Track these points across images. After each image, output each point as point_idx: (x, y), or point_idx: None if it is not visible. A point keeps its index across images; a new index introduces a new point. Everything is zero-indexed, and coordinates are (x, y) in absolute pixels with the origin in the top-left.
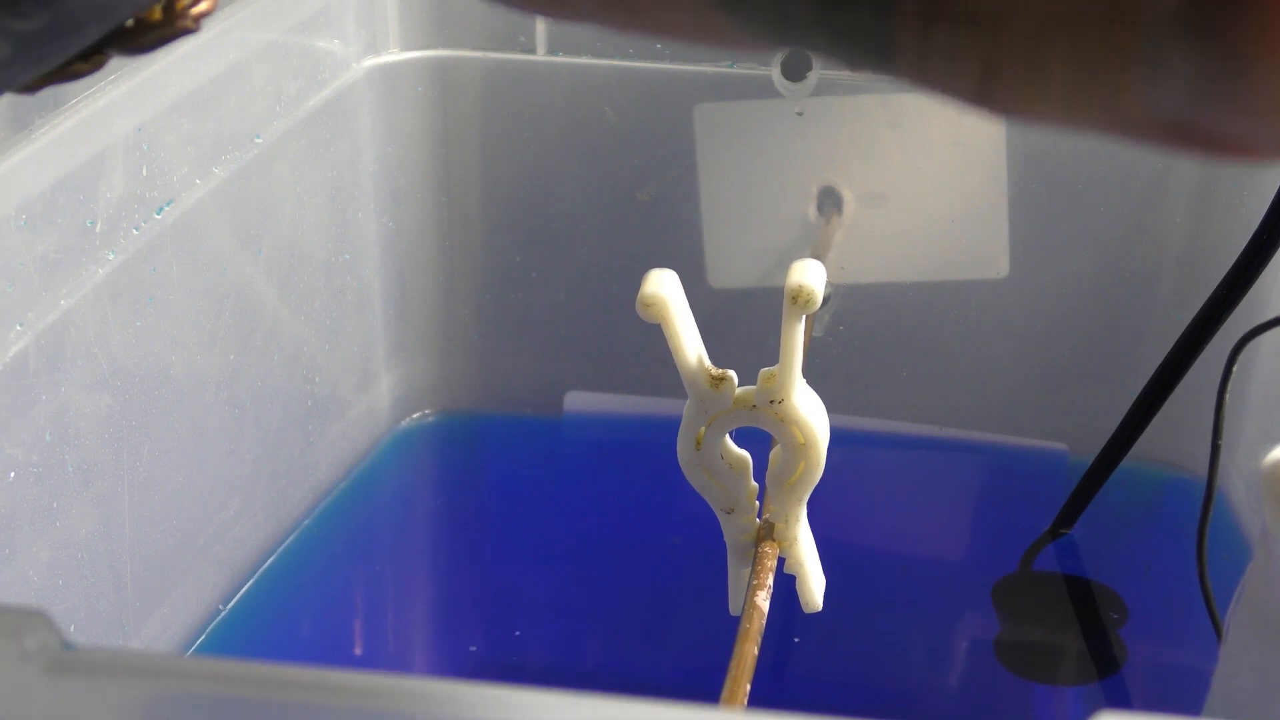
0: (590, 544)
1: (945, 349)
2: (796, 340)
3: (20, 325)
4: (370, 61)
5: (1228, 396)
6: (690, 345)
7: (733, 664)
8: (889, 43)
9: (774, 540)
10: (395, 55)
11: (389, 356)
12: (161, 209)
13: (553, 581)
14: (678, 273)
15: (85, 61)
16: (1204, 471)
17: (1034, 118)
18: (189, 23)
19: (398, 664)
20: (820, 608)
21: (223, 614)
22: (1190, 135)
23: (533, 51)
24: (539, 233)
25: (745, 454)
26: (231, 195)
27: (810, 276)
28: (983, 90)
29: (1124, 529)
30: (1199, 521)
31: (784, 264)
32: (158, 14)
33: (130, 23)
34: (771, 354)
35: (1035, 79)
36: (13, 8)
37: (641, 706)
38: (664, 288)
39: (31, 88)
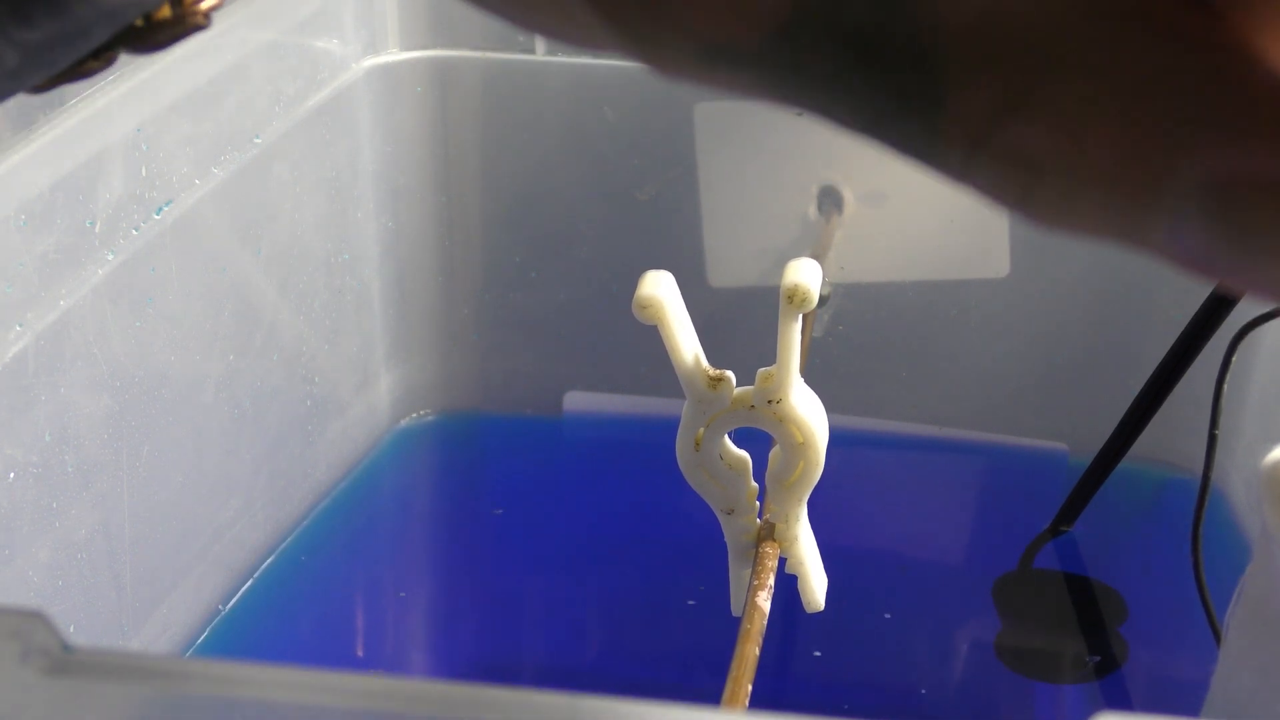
0: (590, 544)
1: (945, 349)
2: (793, 339)
3: (20, 325)
4: (369, 61)
5: (1226, 388)
6: (687, 346)
7: (734, 664)
8: (935, 144)
9: (774, 540)
10: (394, 55)
11: (389, 356)
12: (161, 209)
13: (553, 581)
14: (678, 272)
15: (96, 59)
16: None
17: (1068, 231)
18: (199, 18)
19: (397, 664)
20: (822, 607)
21: (223, 614)
22: (1210, 271)
23: (532, 51)
24: (539, 233)
25: (744, 454)
26: (231, 195)
27: (805, 275)
28: (1022, 203)
29: (1124, 528)
30: (1195, 511)
31: (784, 263)
32: (167, 11)
33: (140, 22)
34: (773, 354)
35: (1071, 206)
36: (23, 18)
37: (642, 707)
38: (660, 289)
39: (41, 88)
